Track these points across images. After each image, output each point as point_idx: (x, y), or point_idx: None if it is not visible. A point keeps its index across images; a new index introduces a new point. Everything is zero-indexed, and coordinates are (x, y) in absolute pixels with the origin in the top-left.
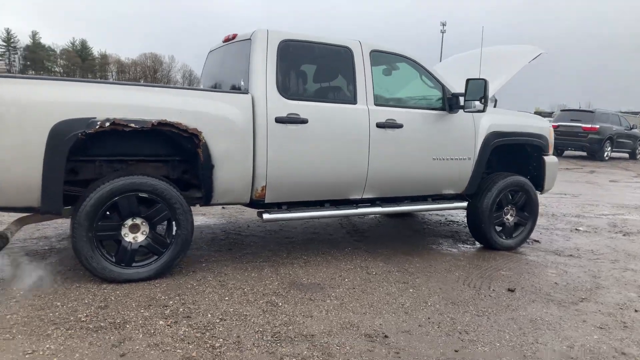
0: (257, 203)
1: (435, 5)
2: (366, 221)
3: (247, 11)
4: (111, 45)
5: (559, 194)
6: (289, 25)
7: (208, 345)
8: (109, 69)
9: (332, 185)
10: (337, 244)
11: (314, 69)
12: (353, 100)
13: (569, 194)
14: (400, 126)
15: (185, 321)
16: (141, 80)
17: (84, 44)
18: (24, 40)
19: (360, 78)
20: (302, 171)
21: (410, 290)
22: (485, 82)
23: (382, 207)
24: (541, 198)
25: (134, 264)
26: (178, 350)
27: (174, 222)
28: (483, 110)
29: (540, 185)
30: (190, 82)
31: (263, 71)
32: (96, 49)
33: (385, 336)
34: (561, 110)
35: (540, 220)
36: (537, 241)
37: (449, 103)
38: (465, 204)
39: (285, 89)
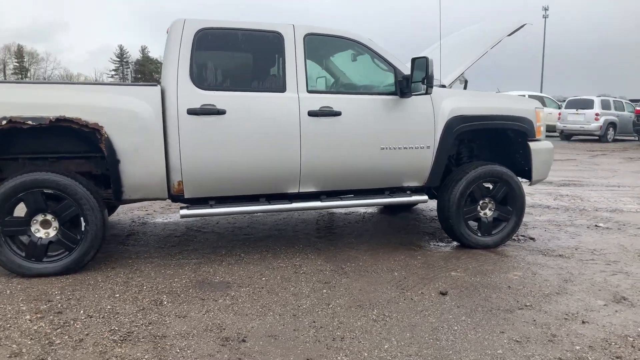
0: (178, 198)
1: None
2: (347, 217)
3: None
4: None
5: (612, 186)
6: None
7: (47, 342)
8: None
9: (259, 179)
10: (293, 241)
11: (239, 57)
12: (282, 88)
13: (628, 185)
14: (337, 114)
15: (51, 317)
16: None
17: None
18: (135, 54)
19: (290, 64)
20: (222, 165)
21: (324, 290)
22: (426, 59)
23: (322, 201)
24: (582, 191)
25: (45, 259)
26: (13, 346)
27: (82, 219)
28: (426, 92)
29: (528, 175)
30: None
31: (175, 62)
32: None
33: (243, 340)
34: None
35: (561, 216)
36: (532, 239)
37: (400, 87)
38: (425, 197)
39: (201, 80)
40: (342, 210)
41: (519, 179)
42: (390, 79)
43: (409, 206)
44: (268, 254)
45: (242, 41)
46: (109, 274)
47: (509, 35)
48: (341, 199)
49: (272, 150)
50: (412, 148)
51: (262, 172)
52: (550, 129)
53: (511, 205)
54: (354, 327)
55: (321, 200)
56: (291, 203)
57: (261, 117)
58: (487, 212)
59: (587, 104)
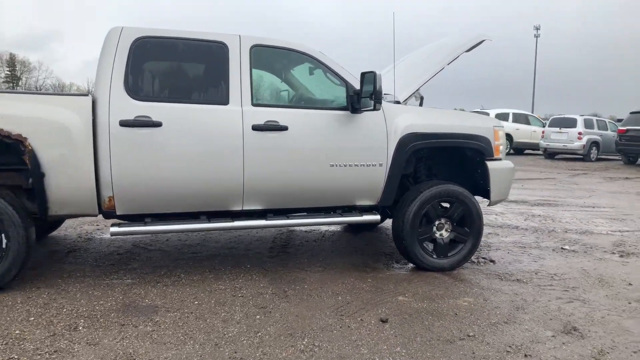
0: (110, 215)
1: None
2: (307, 235)
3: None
4: None
5: (587, 207)
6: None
7: None
8: None
9: (199, 196)
10: (241, 261)
11: (179, 68)
12: (225, 101)
13: (603, 206)
14: (284, 128)
15: None
16: None
17: None
18: None
19: (234, 76)
20: (157, 181)
21: (258, 317)
22: (374, 74)
23: (267, 220)
24: (555, 211)
25: None
26: None
27: (3, 235)
28: (374, 108)
29: (488, 195)
30: None
31: (109, 71)
32: None
33: None
34: (630, 113)
35: (529, 237)
36: (493, 261)
37: (351, 102)
38: (377, 217)
39: (137, 90)
40: (303, 229)
41: (479, 198)
42: (342, 93)
43: (372, 225)
44: (210, 274)
45: (183, 51)
46: (31, 295)
47: (467, 51)
48: (288, 218)
49: (212, 166)
50: (364, 165)
51: (201, 188)
52: (534, 147)
53: (468, 227)
54: (277, 358)
55: (266, 219)
56: (233, 221)
57: (201, 131)
58: (444, 233)
59: (570, 123)
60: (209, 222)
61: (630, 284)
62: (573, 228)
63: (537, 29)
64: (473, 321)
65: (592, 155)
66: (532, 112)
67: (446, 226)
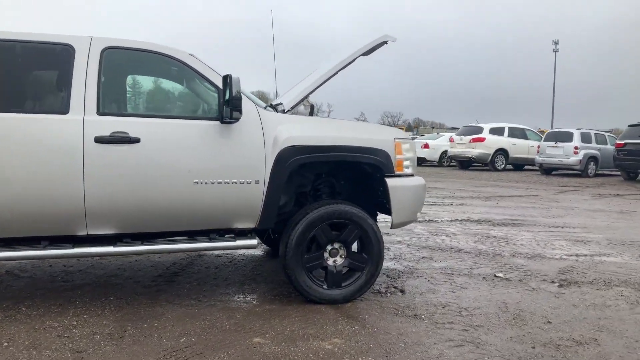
0: None
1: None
2: (214, 260)
3: None
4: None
5: (556, 227)
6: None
7: None
8: None
9: (29, 219)
10: (110, 291)
11: (13, 73)
12: (64, 110)
13: (574, 226)
14: (135, 141)
15: None
16: None
17: None
18: None
19: (78, 82)
20: None
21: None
22: (229, 77)
23: (116, 247)
24: (516, 231)
25: None
26: None
27: None
28: (230, 117)
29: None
30: None
31: None
32: None
33: None
34: (629, 126)
35: (466, 262)
36: (402, 291)
37: (221, 111)
38: (254, 241)
39: None
40: (215, 252)
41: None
42: (212, 101)
43: None
44: (58, 308)
45: (19, 54)
46: None
47: (366, 53)
48: (143, 244)
49: (44, 184)
50: (236, 183)
51: (30, 210)
52: (531, 162)
53: (366, 252)
54: None
55: (115, 246)
56: (73, 248)
57: (30, 143)
58: (338, 260)
59: (566, 137)
60: (43, 249)
61: (549, 322)
62: (524, 252)
63: (556, 43)
64: None
65: (589, 171)
66: (551, 127)
67: (341, 252)
